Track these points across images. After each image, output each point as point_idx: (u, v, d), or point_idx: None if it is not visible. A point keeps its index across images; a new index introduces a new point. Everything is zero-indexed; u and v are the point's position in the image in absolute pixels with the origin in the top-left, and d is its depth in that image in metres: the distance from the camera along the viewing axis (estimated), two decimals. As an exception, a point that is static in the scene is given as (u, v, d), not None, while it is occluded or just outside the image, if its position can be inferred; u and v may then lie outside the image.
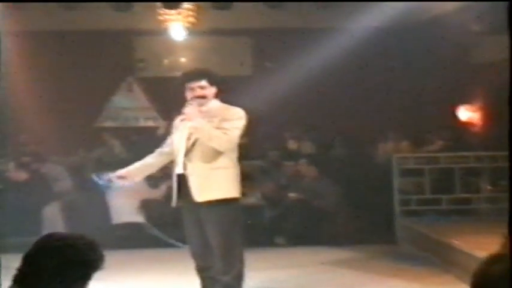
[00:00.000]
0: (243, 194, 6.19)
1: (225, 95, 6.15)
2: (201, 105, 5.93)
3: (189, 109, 5.84)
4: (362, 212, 10.45)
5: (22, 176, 9.73)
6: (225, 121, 5.86)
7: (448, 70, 13.15)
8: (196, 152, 5.88)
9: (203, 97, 5.94)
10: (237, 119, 5.90)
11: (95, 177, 6.50)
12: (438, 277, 7.94)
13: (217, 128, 5.82)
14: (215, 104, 6.02)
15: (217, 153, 5.83)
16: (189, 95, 5.95)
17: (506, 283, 2.30)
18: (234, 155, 5.97)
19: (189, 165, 5.89)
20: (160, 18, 12.76)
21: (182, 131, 5.93)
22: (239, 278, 5.94)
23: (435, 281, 7.78)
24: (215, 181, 5.85)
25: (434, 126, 13.20)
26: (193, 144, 5.88)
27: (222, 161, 5.85)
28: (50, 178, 10.69)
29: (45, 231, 8.42)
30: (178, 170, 5.92)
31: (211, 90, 6.01)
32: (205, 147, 5.80)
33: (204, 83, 5.96)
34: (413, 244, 9.55)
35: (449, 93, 13.06)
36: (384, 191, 10.35)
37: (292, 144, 13.64)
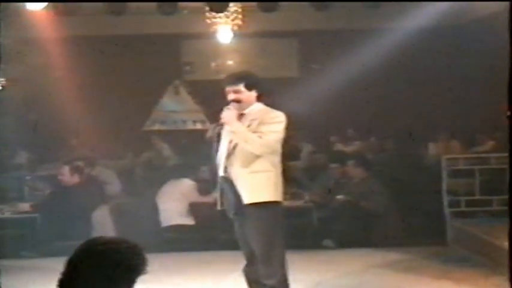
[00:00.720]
0: (287, 197, 6.14)
1: (270, 97, 6.12)
2: (239, 109, 5.92)
3: (225, 113, 5.85)
4: (411, 213, 10.35)
5: (75, 179, 9.83)
6: (263, 124, 5.85)
7: (497, 70, 12.95)
8: (237, 156, 5.88)
9: (238, 101, 5.92)
10: (275, 122, 5.87)
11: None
12: (489, 279, 7.82)
13: (255, 131, 5.81)
14: (257, 107, 6.00)
15: (256, 157, 5.81)
16: (228, 98, 5.97)
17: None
18: (276, 158, 5.92)
19: (230, 169, 5.91)
20: (208, 21, 12.82)
21: (225, 135, 5.94)
22: (284, 282, 5.91)
23: (486, 283, 7.68)
24: (254, 184, 5.84)
25: (484, 126, 13.02)
26: (234, 148, 5.88)
27: (262, 165, 5.82)
28: (100, 182, 10.79)
29: (95, 235, 8.55)
30: (220, 172, 5.94)
31: (249, 94, 5.98)
32: (245, 150, 5.81)
33: (240, 87, 5.94)
34: (464, 246, 9.43)
35: (500, 93, 12.84)
36: (434, 192, 10.23)
37: (339, 146, 13.59)
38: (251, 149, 5.78)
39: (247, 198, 5.85)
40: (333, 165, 11.41)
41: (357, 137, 13.73)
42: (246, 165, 5.84)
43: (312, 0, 11.49)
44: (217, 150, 6.01)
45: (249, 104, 5.99)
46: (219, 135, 5.97)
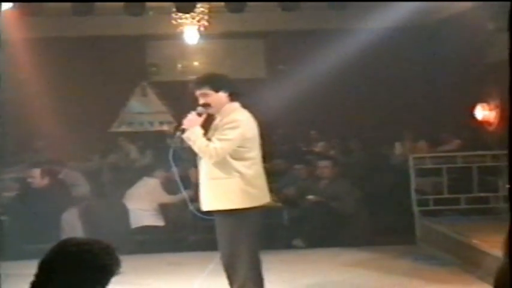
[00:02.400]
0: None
1: (239, 98, 6.05)
2: (212, 111, 5.86)
3: (187, 118, 5.74)
4: (380, 213, 10.40)
5: (45, 182, 9.73)
6: (217, 130, 5.78)
7: (463, 69, 13.10)
8: (201, 162, 5.85)
9: (207, 105, 5.83)
10: (228, 129, 5.73)
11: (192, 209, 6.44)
12: (458, 277, 7.90)
13: (212, 136, 5.75)
14: (229, 108, 5.90)
15: (216, 164, 5.73)
16: (199, 102, 5.90)
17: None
18: (242, 163, 5.77)
19: (200, 175, 5.90)
20: (174, 22, 12.76)
21: None
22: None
23: (455, 281, 7.74)
24: (212, 192, 5.81)
25: (450, 125, 13.15)
26: None
27: (223, 172, 5.73)
28: (68, 184, 10.69)
29: (64, 237, 8.44)
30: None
31: (217, 96, 5.86)
32: None
33: (206, 90, 5.84)
34: (433, 244, 9.50)
35: (466, 93, 13.01)
36: (402, 192, 10.29)
37: (307, 146, 13.61)
38: (203, 157, 5.75)
39: (205, 205, 5.85)
40: (298, 166, 11.43)
41: (320, 138, 13.71)
42: (208, 171, 5.80)
43: (283, 0, 11.47)
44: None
45: (220, 106, 5.89)
46: (179, 140, 5.89)
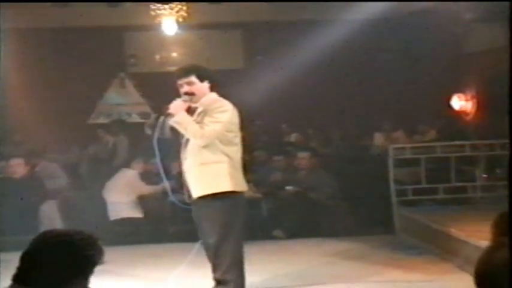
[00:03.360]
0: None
1: (219, 88, 6.11)
2: (193, 100, 5.90)
3: (173, 103, 5.85)
4: (359, 203, 10.43)
5: (19, 172, 9.63)
6: (206, 115, 5.85)
7: (440, 60, 13.15)
8: (188, 148, 5.87)
9: (191, 93, 5.91)
10: (218, 112, 5.85)
11: (173, 199, 6.44)
12: (437, 266, 7.95)
13: (200, 122, 5.78)
14: (210, 98, 5.98)
15: (205, 148, 5.81)
16: (181, 91, 5.94)
17: (508, 271, 2.27)
18: (229, 148, 5.89)
19: (185, 162, 5.91)
20: (152, 13, 12.70)
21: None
22: (230, 275, 5.90)
23: (434, 270, 7.78)
24: (204, 176, 5.85)
25: (428, 116, 13.21)
26: (187, 141, 5.87)
27: (212, 156, 5.81)
28: (45, 176, 10.62)
29: (43, 229, 8.38)
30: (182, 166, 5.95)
31: (202, 85, 5.98)
32: (193, 143, 5.81)
33: (192, 79, 5.96)
34: (411, 234, 9.55)
35: (442, 83, 13.07)
36: (380, 182, 10.32)
37: (286, 137, 13.62)
38: (193, 139, 5.77)
39: (196, 191, 5.87)
40: (277, 158, 11.45)
41: (303, 128, 13.72)
42: (196, 157, 5.85)
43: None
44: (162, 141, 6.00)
45: (203, 95, 5.98)
46: (163, 126, 5.92)
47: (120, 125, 13.58)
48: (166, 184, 6.38)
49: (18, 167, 9.64)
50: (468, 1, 11.13)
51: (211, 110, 5.85)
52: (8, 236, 8.66)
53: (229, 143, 5.89)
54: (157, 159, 6.12)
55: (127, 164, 10.65)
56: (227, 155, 5.86)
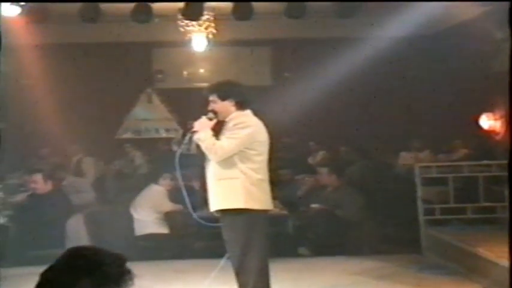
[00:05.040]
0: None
1: (247, 107, 6.11)
2: (219, 117, 5.95)
3: (198, 121, 5.90)
4: (386, 221, 10.38)
5: (48, 187, 9.67)
6: (226, 131, 5.88)
7: (469, 78, 13.08)
8: (209, 164, 5.91)
9: (213, 111, 5.97)
10: (237, 128, 5.86)
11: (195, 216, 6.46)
12: (464, 287, 7.85)
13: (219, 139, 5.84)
14: (235, 115, 6.00)
15: (222, 164, 5.82)
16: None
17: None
18: (247, 165, 5.85)
19: (207, 177, 5.97)
20: (182, 30, 12.77)
21: None
22: None
23: (461, 291, 7.70)
24: (218, 192, 5.89)
25: (456, 135, 13.12)
26: None
27: (228, 172, 5.82)
28: (72, 190, 10.69)
29: (69, 244, 8.42)
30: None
31: (223, 104, 6.00)
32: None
33: (214, 97, 6.01)
34: (439, 254, 9.47)
35: (471, 102, 12.98)
36: (408, 201, 10.26)
37: (313, 154, 13.60)
38: (209, 156, 5.81)
39: (212, 205, 5.93)
40: (302, 176, 11.44)
41: (330, 145, 13.69)
42: (215, 172, 5.89)
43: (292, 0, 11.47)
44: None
45: (227, 113, 6.00)
46: (189, 143, 5.97)
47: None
48: (187, 202, 6.35)
49: (45, 181, 9.67)
50: (468, 1, 11.10)
51: (231, 126, 5.89)
52: (35, 250, 8.72)
53: (248, 160, 5.86)
54: (178, 176, 6.14)
55: (155, 181, 10.66)
56: (243, 172, 5.83)
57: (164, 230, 10.21)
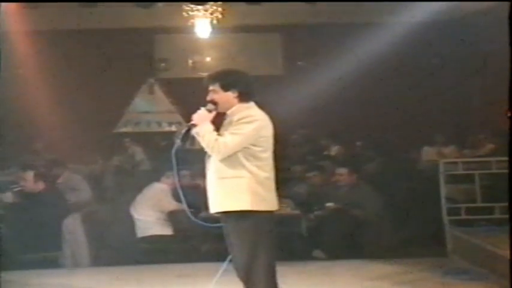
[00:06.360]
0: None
1: (251, 99, 6.00)
2: (219, 109, 5.83)
3: (197, 113, 5.71)
4: (407, 222, 10.33)
5: (39, 186, 9.63)
6: (230, 125, 5.74)
7: (497, 68, 12.99)
8: (211, 161, 5.81)
9: (213, 102, 5.80)
10: (242, 123, 5.67)
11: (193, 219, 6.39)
12: (492, 293, 7.83)
13: (221, 134, 5.73)
14: (238, 108, 5.81)
15: (225, 162, 5.68)
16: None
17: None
18: (253, 163, 5.69)
19: (208, 175, 5.85)
20: (185, 14, 12.73)
21: None
22: None
23: (489, 297, 7.67)
24: (222, 192, 5.73)
25: (483, 129, 13.04)
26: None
27: (232, 170, 5.67)
28: (68, 188, 10.67)
29: (66, 246, 8.42)
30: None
31: (225, 95, 5.82)
32: None
33: (215, 87, 5.84)
34: (465, 256, 9.43)
35: (500, 94, 12.89)
36: (431, 200, 10.21)
37: (327, 149, 13.55)
38: (211, 154, 5.70)
39: (213, 206, 5.79)
40: (315, 173, 11.39)
41: (347, 139, 13.63)
42: (216, 170, 5.75)
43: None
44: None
45: (229, 105, 5.88)
46: (186, 137, 5.86)
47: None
48: (183, 202, 6.26)
49: (33, 180, 9.62)
50: (468, 1, 11.03)
51: (235, 121, 5.73)
52: (30, 253, 8.70)
53: (253, 157, 5.70)
54: (175, 174, 6.04)
55: (157, 178, 10.64)
56: (249, 171, 5.67)
57: (168, 231, 10.18)
